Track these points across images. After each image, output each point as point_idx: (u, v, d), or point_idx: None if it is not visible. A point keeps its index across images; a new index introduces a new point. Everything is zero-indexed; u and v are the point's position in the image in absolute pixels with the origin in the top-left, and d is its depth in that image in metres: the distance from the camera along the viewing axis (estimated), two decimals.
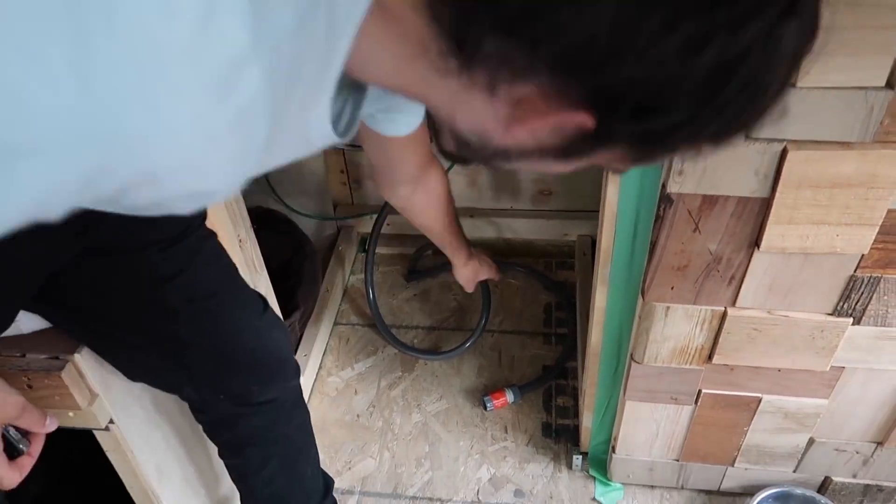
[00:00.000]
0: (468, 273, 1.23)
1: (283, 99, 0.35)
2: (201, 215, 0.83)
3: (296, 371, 0.94)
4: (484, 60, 0.36)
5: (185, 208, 0.39)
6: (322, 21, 0.34)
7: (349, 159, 1.70)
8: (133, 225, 0.68)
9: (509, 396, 1.39)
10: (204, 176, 0.36)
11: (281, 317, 0.98)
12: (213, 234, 0.84)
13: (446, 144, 0.46)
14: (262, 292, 1.17)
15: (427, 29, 0.36)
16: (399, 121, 0.74)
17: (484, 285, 1.50)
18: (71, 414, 0.81)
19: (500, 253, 1.77)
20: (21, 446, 0.68)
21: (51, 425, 0.70)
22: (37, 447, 0.69)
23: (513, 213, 1.72)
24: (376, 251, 1.56)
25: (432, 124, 0.48)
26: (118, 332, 0.78)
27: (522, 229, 1.73)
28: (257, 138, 0.35)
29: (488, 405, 1.38)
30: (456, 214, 1.08)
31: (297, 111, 0.38)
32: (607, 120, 0.36)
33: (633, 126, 0.37)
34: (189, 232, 0.78)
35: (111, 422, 0.84)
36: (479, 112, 0.40)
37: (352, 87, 0.48)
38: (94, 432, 0.84)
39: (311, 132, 0.42)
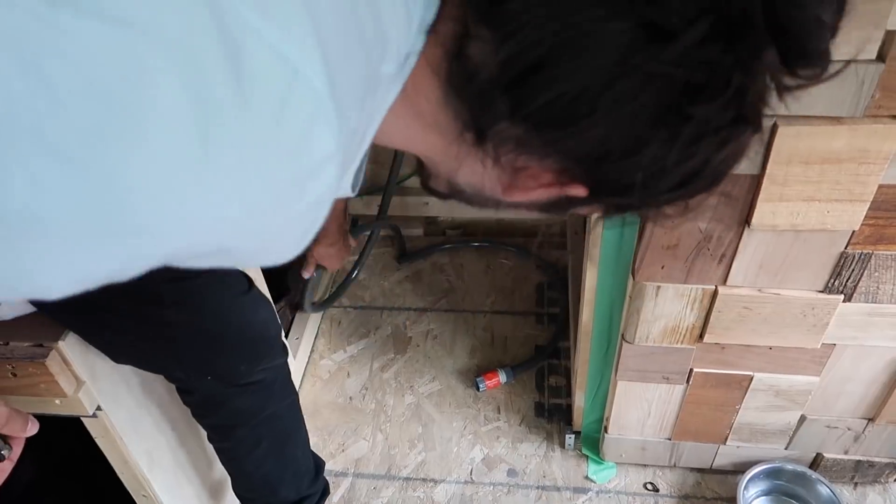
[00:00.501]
0: (329, 253, 1.24)
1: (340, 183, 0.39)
2: None
3: (283, 350, 0.94)
4: (499, 141, 0.40)
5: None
6: (366, 112, 0.39)
7: None
8: None
9: (502, 377, 1.39)
10: (272, 251, 0.40)
11: (269, 296, 0.97)
12: None
13: (438, 187, 0.50)
14: (252, 276, 1.16)
15: (444, 114, 0.41)
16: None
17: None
18: (57, 401, 0.80)
19: (491, 233, 1.77)
20: (3, 452, 0.67)
21: (32, 429, 0.69)
22: (17, 451, 0.69)
23: None
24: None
25: (422, 166, 0.51)
26: (101, 315, 0.77)
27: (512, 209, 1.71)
28: (322, 216, 0.39)
29: (481, 386, 1.38)
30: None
31: (347, 167, 0.42)
32: (598, 193, 0.43)
33: (617, 199, 0.43)
34: None
35: (99, 408, 0.83)
36: (480, 174, 0.44)
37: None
38: (82, 419, 0.84)
39: (339, 191, 0.47)
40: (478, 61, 0.38)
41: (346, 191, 0.48)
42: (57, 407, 0.80)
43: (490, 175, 0.43)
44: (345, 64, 0.34)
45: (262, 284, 1.21)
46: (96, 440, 0.87)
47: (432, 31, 0.40)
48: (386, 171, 1.50)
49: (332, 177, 0.35)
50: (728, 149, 0.40)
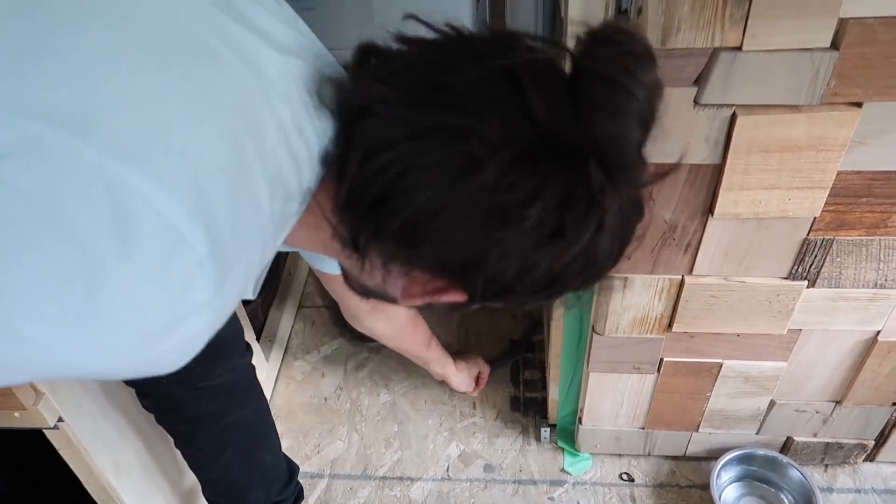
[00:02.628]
0: (464, 377, 1.26)
1: (227, 313, 0.45)
2: None
3: (242, 352, 0.92)
4: (372, 254, 0.48)
5: None
6: (270, 234, 0.46)
7: None
8: None
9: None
10: (148, 372, 0.43)
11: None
12: None
13: (353, 286, 0.60)
14: None
15: (341, 227, 0.47)
16: (328, 261, 0.79)
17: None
18: (16, 414, 0.78)
19: None
20: None
21: None
22: None
23: None
24: None
25: (342, 268, 0.61)
26: None
27: None
28: (197, 348, 0.43)
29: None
30: (430, 332, 1.13)
31: (235, 297, 0.46)
32: (475, 298, 0.49)
33: (498, 301, 0.50)
34: None
35: (60, 419, 0.81)
36: (379, 279, 0.51)
37: None
38: (44, 431, 0.82)
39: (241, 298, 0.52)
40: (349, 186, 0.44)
41: (248, 295, 0.52)
42: (16, 420, 0.78)
43: (380, 281, 0.51)
44: (234, 221, 0.40)
45: None
46: (59, 452, 0.85)
47: (328, 157, 0.47)
48: None
49: (207, 317, 0.40)
50: (569, 253, 0.44)
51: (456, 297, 0.49)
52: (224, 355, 0.88)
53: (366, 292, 0.58)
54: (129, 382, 0.86)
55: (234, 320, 0.90)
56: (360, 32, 0.82)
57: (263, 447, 1.00)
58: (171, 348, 0.40)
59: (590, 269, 0.47)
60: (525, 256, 0.44)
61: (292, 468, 1.09)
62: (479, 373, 1.32)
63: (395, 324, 1.01)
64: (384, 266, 0.48)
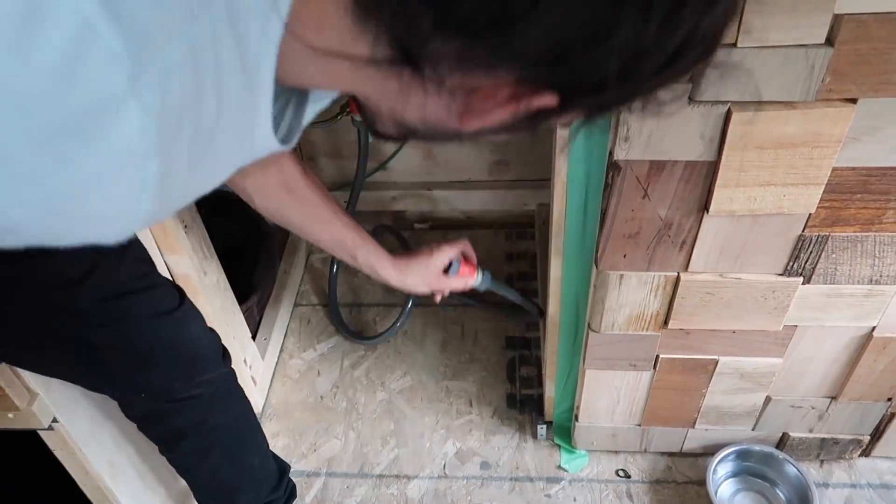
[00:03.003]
0: (415, 271, 0.96)
1: (177, 130, 0.34)
2: None
3: (219, 362, 0.90)
4: (435, 62, 0.34)
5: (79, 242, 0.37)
6: (229, 46, 0.33)
7: (302, 137, 1.66)
8: None
9: (478, 278, 1.06)
10: (82, 223, 0.34)
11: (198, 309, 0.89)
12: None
13: (387, 130, 0.44)
14: (214, 278, 1.15)
15: (363, 43, 0.34)
16: (257, 139, 0.68)
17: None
18: (10, 415, 0.78)
19: (459, 226, 1.76)
20: None
21: None
22: None
23: (470, 184, 1.70)
24: None
25: (364, 109, 0.44)
26: (26, 337, 0.73)
27: (481, 200, 1.71)
28: (143, 178, 0.33)
29: (454, 267, 1.03)
30: (347, 215, 0.90)
31: (230, 129, 0.37)
32: (570, 97, 0.37)
33: (596, 98, 0.37)
34: None
35: (55, 420, 0.81)
36: (427, 105, 0.38)
37: (292, 92, 0.48)
38: (39, 432, 0.82)
39: (255, 142, 0.42)
40: None
41: (269, 141, 0.43)
42: (10, 421, 0.78)
43: (439, 104, 0.38)
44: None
45: (226, 286, 1.19)
46: (54, 452, 0.85)
47: None
48: (352, 165, 1.49)
49: (138, 120, 0.30)
50: (718, 6, 0.34)
51: (545, 100, 0.36)
52: (201, 369, 0.86)
53: (406, 131, 0.43)
54: (111, 396, 0.85)
55: (208, 333, 0.88)
56: None
57: (249, 450, 0.99)
58: (101, 169, 0.31)
59: (713, 39, 0.36)
60: (669, 13, 0.32)
61: (283, 468, 1.09)
62: (451, 265, 1.01)
63: (304, 202, 0.83)
64: (438, 81, 0.36)
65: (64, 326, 0.73)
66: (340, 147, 1.67)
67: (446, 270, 1.00)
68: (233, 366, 0.93)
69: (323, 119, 1.43)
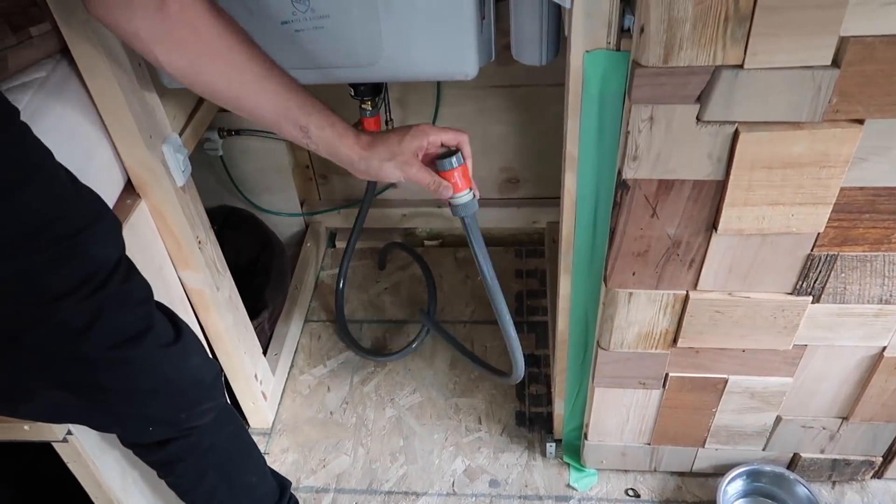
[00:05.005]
0: (386, 149, 0.77)
1: None
2: (119, 254, 0.74)
3: (220, 390, 0.89)
4: None
5: None
6: None
7: (314, 154, 1.68)
8: (43, 270, 0.64)
9: (465, 197, 0.89)
10: None
11: (201, 341, 0.88)
12: (131, 268, 0.76)
13: None
14: (226, 293, 1.16)
15: None
16: None
17: (428, 277, 1.33)
18: (26, 427, 0.79)
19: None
20: None
21: None
22: None
23: (481, 202, 1.70)
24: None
25: None
26: (31, 382, 0.72)
27: (491, 218, 1.72)
28: None
29: (448, 162, 0.83)
30: (276, 65, 0.72)
31: None
32: None
33: None
34: (111, 278, 0.71)
35: (69, 433, 0.82)
36: None
37: None
38: (53, 444, 0.83)
39: None
40: None
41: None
42: (25, 433, 0.79)
43: None
44: None
45: (238, 302, 1.20)
46: (68, 465, 0.86)
47: None
48: (363, 182, 1.50)
49: None
50: None
51: None
52: (205, 399, 0.85)
53: None
54: (122, 434, 0.85)
55: (208, 362, 0.86)
56: (370, 49, 0.83)
57: (246, 469, 0.98)
58: None
59: None
60: None
61: (283, 484, 1.08)
62: (446, 157, 0.81)
63: (218, 51, 0.68)
64: None
65: (70, 372, 0.72)
66: None
67: (432, 163, 0.81)
68: (244, 381, 0.93)
69: None
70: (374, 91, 1.20)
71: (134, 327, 0.74)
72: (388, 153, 0.77)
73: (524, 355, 1.41)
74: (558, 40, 0.92)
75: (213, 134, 1.46)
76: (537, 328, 1.54)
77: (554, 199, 1.66)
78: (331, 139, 0.76)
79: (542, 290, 1.62)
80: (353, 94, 1.20)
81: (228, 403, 0.94)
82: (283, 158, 1.60)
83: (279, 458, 1.34)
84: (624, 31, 0.74)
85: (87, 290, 0.68)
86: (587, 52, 0.75)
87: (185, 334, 0.82)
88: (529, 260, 1.71)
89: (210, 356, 0.88)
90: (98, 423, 0.82)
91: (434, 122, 1.55)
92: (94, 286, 0.69)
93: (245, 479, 0.98)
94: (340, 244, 1.79)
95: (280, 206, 1.69)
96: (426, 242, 1.79)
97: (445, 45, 0.84)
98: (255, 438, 1.36)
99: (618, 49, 0.75)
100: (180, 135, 0.99)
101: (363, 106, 1.22)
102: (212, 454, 0.91)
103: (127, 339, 0.73)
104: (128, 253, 0.76)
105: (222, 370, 0.91)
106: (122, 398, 0.77)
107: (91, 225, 0.69)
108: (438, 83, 1.50)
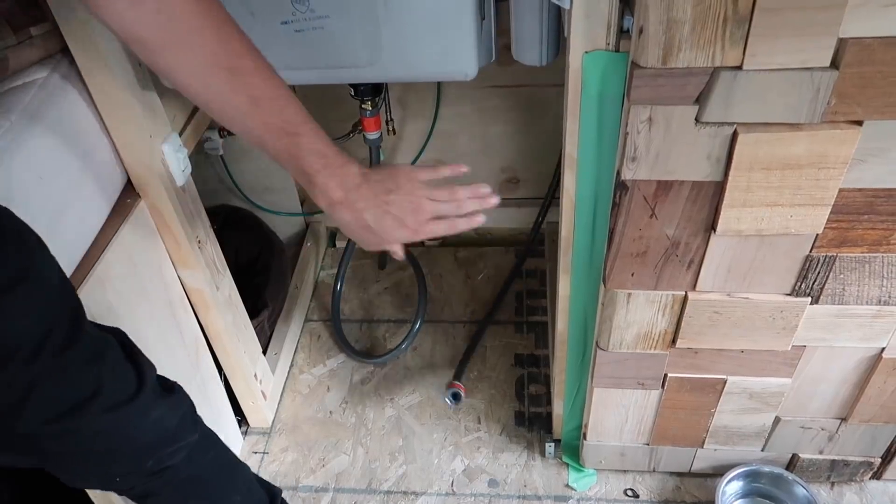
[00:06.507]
0: (352, 200, 0.71)
1: None
2: (49, 322, 0.65)
3: (192, 429, 0.83)
4: None
5: None
6: None
7: None
8: None
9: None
10: None
11: (173, 387, 0.82)
12: (77, 327, 0.67)
13: None
14: (226, 293, 1.16)
15: None
16: None
17: (420, 280, 1.37)
18: None
19: (470, 243, 1.77)
20: None
21: None
22: None
23: None
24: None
25: None
26: None
27: (492, 218, 1.71)
28: None
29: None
30: (262, 62, 0.66)
31: None
32: None
33: None
34: (40, 351, 0.63)
35: None
36: None
37: None
38: None
39: None
40: None
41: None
42: None
43: None
44: None
45: (238, 302, 1.21)
46: None
47: None
48: None
49: None
50: None
51: None
52: (171, 446, 0.79)
53: None
54: (91, 487, 0.82)
55: (172, 411, 0.79)
56: (370, 49, 0.83)
57: (230, 489, 0.93)
58: None
59: None
60: None
61: (272, 492, 1.04)
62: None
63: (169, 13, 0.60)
64: None
65: (11, 448, 0.68)
66: None
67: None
68: (243, 380, 0.91)
69: (336, 137, 1.45)
70: (374, 91, 1.21)
71: (73, 397, 0.67)
72: (402, 200, 0.73)
73: (524, 355, 1.42)
74: (559, 41, 0.92)
75: (214, 133, 1.46)
76: (537, 328, 1.55)
77: (554, 200, 1.67)
78: (324, 159, 0.70)
79: (542, 290, 1.62)
80: (353, 93, 1.21)
81: (206, 429, 0.88)
82: None
83: (278, 457, 1.34)
84: (623, 32, 0.74)
85: (13, 368, 0.62)
86: (586, 52, 0.75)
87: (146, 384, 0.74)
88: (530, 260, 1.71)
89: (178, 395, 0.81)
90: (63, 478, 0.75)
91: (434, 122, 1.56)
92: (18, 362, 0.62)
93: (229, 498, 0.93)
94: (341, 244, 1.80)
95: (280, 205, 1.69)
96: (426, 242, 1.79)
97: (445, 46, 0.84)
98: (255, 438, 1.37)
99: (617, 50, 0.75)
100: (180, 134, 0.99)
101: (363, 106, 1.22)
102: (189, 484, 0.85)
103: (66, 412, 0.66)
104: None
105: (192, 405, 0.85)
106: (76, 460, 0.72)
107: (3, 294, 0.60)
108: (439, 83, 1.50)
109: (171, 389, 0.81)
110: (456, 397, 1.38)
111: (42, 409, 0.65)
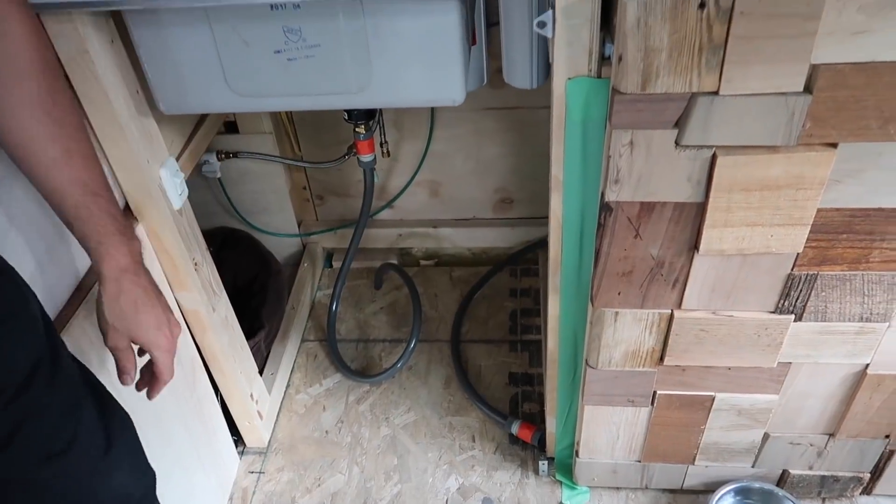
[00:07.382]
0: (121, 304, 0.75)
1: None
2: (37, 356, 0.63)
3: (151, 487, 0.80)
4: None
5: None
6: None
7: (311, 175, 1.71)
8: None
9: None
10: None
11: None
12: (57, 369, 0.65)
13: None
14: (222, 314, 1.18)
15: None
16: None
17: (415, 300, 1.38)
18: None
19: (465, 263, 1.79)
20: None
21: None
22: None
23: (475, 222, 1.74)
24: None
25: None
26: None
27: (486, 238, 1.74)
28: None
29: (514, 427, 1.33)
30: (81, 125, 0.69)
31: None
32: None
33: None
34: (31, 382, 0.61)
35: None
36: None
37: None
38: None
39: None
40: None
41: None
42: None
43: None
44: None
45: (236, 323, 1.22)
46: None
47: None
48: (359, 203, 1.52)
49: None
50: None
51: None
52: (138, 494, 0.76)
53: None
54: None
55: (136, 470, 0.76)
56: (360, 76, 0.86)
57: None
58: None
59: None
60: None
61: None
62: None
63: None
64: None
65: None
66: (348, 186, 1.71)
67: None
68: (240, 400, 0.88)
69: (331, 159, 1.48)
70: (367, 115, 1.23)
71: (50, 446, 0.64)
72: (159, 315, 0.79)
73: (518, 373, 1.42)
74: (548, 64, 0.94)
75: (212, 156, 1.49)
76: (531, 346, 1.56)
77: (547, 219, 1.69)
78: (106, 250, 0.72)
79: (535, 309, 1.64)
80: (346, 118, 1.23)
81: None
82: (281, 180, 1.62)
83: (274, 476, 1.35)
84: (605, 59, 0.76)
85: (4, 400, 0.60)
86: (569, 79, 0.78)
87: (116, 445, 0.71)
88: (524, 279, 1.73)
89: (143, 467, 0.79)
90: None
91: (429, 144, 1.59)
92: (9, 395, 0.60)
93: None
94: (337, 264, 1.82)
95: (277, 226, 1.72)
96: (422, 262, 1.81)
97: (433, 73, 0.86)
98: (251, 458, 1.38)
99: (599, 76, 0.77)
100: (177, 159, 1.02)
101: (357, 129, 1.25)
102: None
103: (40, 461, 0.64)
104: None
105: (155, 480, 0.81)
106: None
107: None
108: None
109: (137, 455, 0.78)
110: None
111: (15, 460, 0.62)
